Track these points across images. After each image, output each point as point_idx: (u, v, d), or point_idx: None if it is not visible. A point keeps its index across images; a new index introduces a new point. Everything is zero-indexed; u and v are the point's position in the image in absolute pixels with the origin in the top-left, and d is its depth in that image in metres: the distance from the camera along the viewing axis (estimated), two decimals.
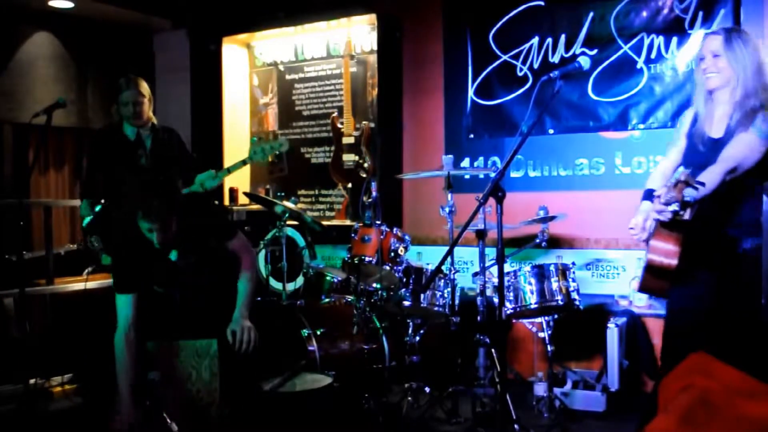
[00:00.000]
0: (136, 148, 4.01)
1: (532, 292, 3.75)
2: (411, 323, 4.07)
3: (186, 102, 6.05)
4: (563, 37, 4.60)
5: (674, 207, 2.33)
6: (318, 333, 3.82)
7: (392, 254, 3.99)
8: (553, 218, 3.94)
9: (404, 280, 3.93)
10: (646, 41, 4.33)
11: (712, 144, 2.69)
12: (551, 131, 4.64)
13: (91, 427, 3.68)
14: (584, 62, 2.67)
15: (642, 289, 2.77)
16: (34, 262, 4.63)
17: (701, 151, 2.72)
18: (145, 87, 4.02)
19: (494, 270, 3.48)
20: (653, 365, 4.11)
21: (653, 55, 4.31)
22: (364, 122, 5.36)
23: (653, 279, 2.63)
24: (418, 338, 4.07)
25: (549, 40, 4.65)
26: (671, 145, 2.96)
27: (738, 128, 2.61)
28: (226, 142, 5.82)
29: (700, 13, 4.13)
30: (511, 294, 3.78)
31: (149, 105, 4.05)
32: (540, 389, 3.96)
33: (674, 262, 2.50)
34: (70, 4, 5.42)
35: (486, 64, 4.89)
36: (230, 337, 3.13)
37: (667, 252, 2.51)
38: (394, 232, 4.03)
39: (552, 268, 3.75)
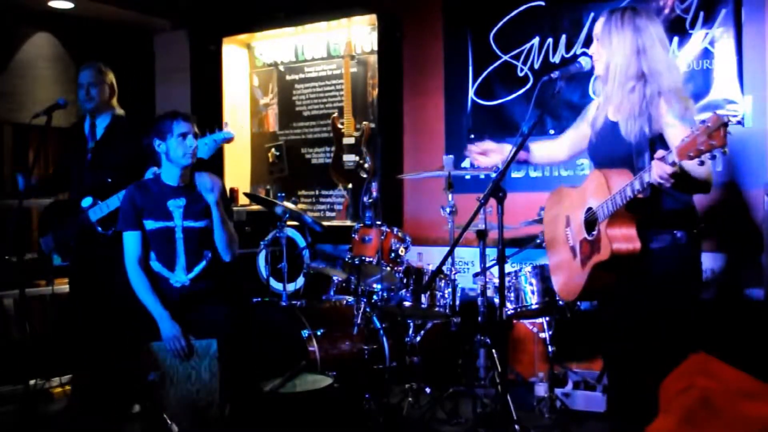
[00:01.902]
0: (87, 141, 3.92)
1: (533, 293, 3.75)
2: (411, 324, 4.07)
3: (186, 103, 6.04)
4: (564, 37, 4.59)
5: (706, 158, 2.04)
6: (318, 333, 3.82)
7: (393, 255, 3.98)
8: None
9: (405, 280, 3.92)
10: None
11: (613, 127, 2.58)
12: (552, 132, 4.63)
13: (90, 427, 3.67)
14: (585, 63, 2.66)
15: (585, 292, 2.58)
16: (34, 263, 4.62)
17: (597, 142, 2.65)
18: (104, 71, 3.93)
19: (495, 270, 3.49)
20: None
21: None
22: (364, 122, 5.36)
23: (604, 274, 2.49)
24: (418, 339, 4.06)
25: (550, 40, 4.65)
26: (571, 128, 2.88)
27: (641, 116, 2.46)
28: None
29: (701, 14, 4.12)
30: (512, 294, 3.78)
31: (109, 91, 3.94)
32: (541, 390, 3.95)
33: (638, 245, 2.39)
34: (70, 5, 5.42)
35: (486, 64, 4.89)
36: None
37: (627, 237, 2.40)
38: (395, 232, 4.02)
39: None
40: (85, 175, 3.82)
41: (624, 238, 2.41)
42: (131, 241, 3.33)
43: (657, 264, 2.49)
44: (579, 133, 2.86)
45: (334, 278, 4.43)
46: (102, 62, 3.99)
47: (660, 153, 2.22)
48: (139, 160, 3.73)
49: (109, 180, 3.75)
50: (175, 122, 3.29)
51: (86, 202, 3.76)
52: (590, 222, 2.56)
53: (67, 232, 3.78)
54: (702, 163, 2.10)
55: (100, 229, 3.70)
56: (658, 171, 2.21)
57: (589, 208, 2.55)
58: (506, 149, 2.91)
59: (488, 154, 2.98)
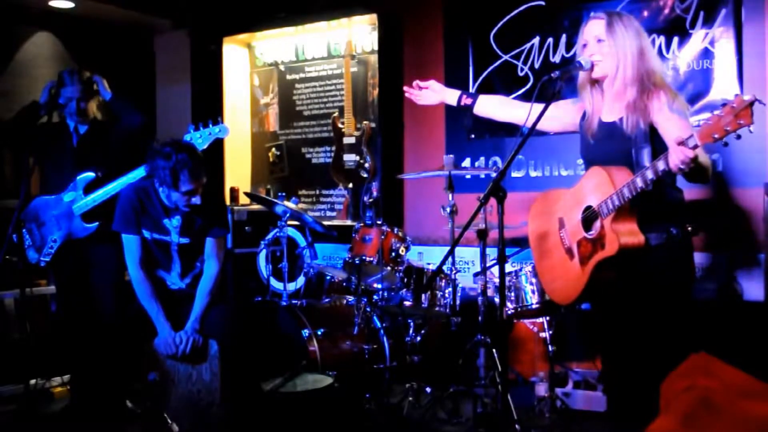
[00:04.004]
0: (72, 138, 3.92)
1: (533, 292, 3.75)
2: (412, 323, 4.07)
3: (186, 102, 6.04)
4: (564, 37, 4.59)
5: (731, 138, 2.17)
6: (319, 333, 3.82)
7: (393, 254, 3.98)
8: None
9: (405, 280, 3.92)
10: None
11: (609, 128, 2.61)
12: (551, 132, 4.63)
13: (90, 427, 3.68)
14: (585, 62, 2.66)
15: (585, 292, 2.58)
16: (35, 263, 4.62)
17: (594, 144, 2.66)
18: (91, 82, 3.91)
19: (495, 270, 3.48)
20: None
21: None
22: (365, 122, 5.35)
23: (606, 272, 2.51)
24: (419, 338, 4.06)
25: (550, 40, 4.65)
26: (556, 105, 2.82)
27: (636, 111, 2.52)
28: (227, 143, 5.81)
29: (701, 13, 4.12)
30: (512, 294, 3.78)
31: (94, 101, 3.92)
32: (541, 389, 3.95)
33: (642, 238, 2.43)
34: (71, 4, 5.42)
35: (487, 64, 4.89)
36: (176, 340, 3.15)
37: (632, 231, 2.43)
38: (395, 232, 4.02)
39: None
40: (68, 172, 3.83)
41: (629, 232, 2.43)
42: (131, 244, 3.32)
43: (654, 260, 2.50)
44: (568, 114, 2.87)
45: (335, 278, 4.43)
46: (81, 67, 3.99)
47: (679, 138, 2.24)
48: (124, 156, 3.83)
49: (99, 174, 3.77)
50: (182, 183, 3.15)
51: (68, 196, 3.77)
52: (588, 220, 2.56)
53: (47, 229, 3.82)
54: (726, 145, 2.21)
55: (82, 222, 3.74)
56: (680, 156, 2.23)
57: (588, 206, 2.55)
58: (448, 94, 3.17)
59: (429, 89, 3.26)
